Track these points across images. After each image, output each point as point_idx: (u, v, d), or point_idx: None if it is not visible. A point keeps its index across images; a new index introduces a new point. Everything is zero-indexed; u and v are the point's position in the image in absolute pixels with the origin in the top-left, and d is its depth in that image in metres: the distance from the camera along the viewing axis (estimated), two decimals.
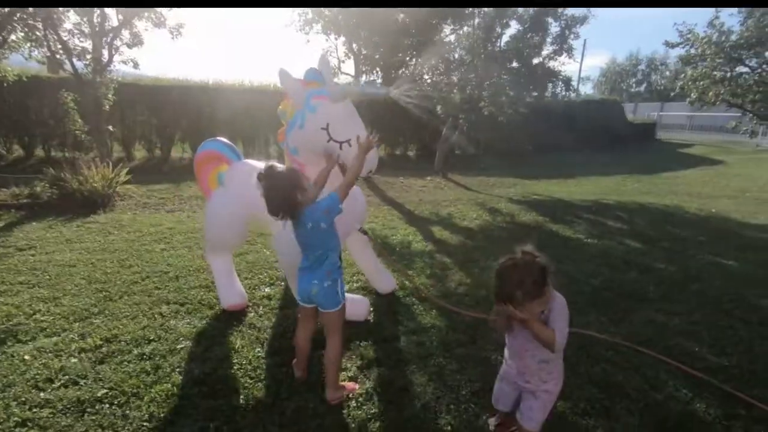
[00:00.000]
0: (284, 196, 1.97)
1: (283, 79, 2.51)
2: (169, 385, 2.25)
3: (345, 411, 2.09)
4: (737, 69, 8.73)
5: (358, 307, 2.97)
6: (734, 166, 13.06)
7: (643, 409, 2.13)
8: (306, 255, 2.10)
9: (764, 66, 8.43)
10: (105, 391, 2.20)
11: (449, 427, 1.99)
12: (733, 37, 8.12)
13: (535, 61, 8.89)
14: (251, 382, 2.30)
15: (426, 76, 9.20)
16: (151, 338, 2.71)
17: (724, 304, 3.38)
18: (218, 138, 3.33)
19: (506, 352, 1.79)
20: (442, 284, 3.70)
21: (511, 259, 1.55)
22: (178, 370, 2.40)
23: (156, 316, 3.01)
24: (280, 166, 2.05)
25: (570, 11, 8.59)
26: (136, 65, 8.38)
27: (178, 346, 2.63)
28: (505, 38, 8.84)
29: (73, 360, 2.46)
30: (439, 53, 8.61)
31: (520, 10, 8.56)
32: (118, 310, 3.08)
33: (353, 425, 2.00)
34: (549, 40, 8.92)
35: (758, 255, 4.63)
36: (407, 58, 8.69)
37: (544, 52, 9.00)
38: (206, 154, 3.27)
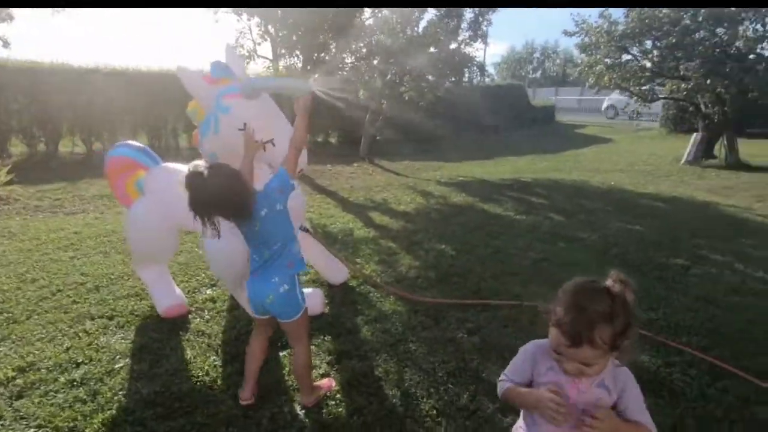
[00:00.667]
0: (236, 192, 1.69)
1: (185, 78, 2.22)
2: (115, 412, 1.95)
3: (324, 410, 1.99)
4: (623, 57, 9.82)
5: (312, 300, 2.83)
6: (621, 144, 14.77)
7: None
8: (259, 252, 1.83)
9: (645, 54, 9.58)
10: (32, 431, 1.84)
11: (434, 411, 1.98)
12: (620, 28, 9.08)
13: (452, 46, 9.15)
14: (213, 394, 2.09)
15: (347, 60, 9.02)
16: (80, 361, 2.33)
17: (642, 266, 3.80)
18: (128, 142, 2.93)
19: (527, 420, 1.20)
20: (393, 269, 3.69)
21: (596, 283, 1.07)
22: (121, 393, 2.09)
23: (80, 334, 2.59)
24: (204, 164, 1.75)
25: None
26: (5, 44, 7.09)
27: (116, 366, 2.30)
28: (423, 23, 8.97)
29: None
30: (359, 36, 8.48)
31: None
32: (28, 332, 2.60)
33: (336, 424, 1.90)
34: (464, 26, 9.22)
35: (655, 221, 5.28)
36: (329, 41, 8.41)
37: (460, 38, 9.29)
38: (117, 162, 2.81)
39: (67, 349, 2.43)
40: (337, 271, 3.36)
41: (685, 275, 3.61)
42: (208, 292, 3.20)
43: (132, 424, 1.88)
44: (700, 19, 7.83)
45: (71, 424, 1.88)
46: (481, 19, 9.15)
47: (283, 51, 8.51)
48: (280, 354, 2.40)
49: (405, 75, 9.30)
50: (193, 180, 1.66)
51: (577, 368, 1.03)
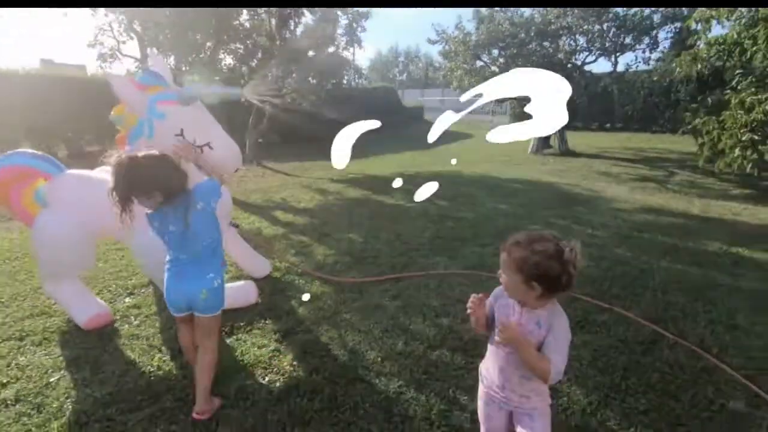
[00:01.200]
0: (171, 168, 1.77)
1: (116, 83, 2.30)
2: (71, 416, 1.95)
3: (285, 375, 2.25)
4: (477, 63, 11.41)
5: (246, 291, 3.01)
6: (481, 139, 16.92)
7: None
8: (187, 250, 1.86)
9: (493, 61, 11.27)
10: None
11: (379, 358, 2.39)
12: (473, 38, 10.56)
13: (330, 50, 9.61)
14: (174, 382, 2.19)
15: (226, 62, 8.85)
16: (5, 381, 2.19)
17: (508, 234, 4.71)
18: (22, 150, 2.75)
19: (486, 361, 1.52)
20: (311, 259, 3.99)
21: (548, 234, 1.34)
22: (69, 400, 2.07)
23: (10, 353, 2.39)
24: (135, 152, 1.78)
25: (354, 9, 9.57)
26: None
27: (52, 379, 2.22)
28: (300, 28, 9.25)
29: None
30: (237, 38, 8.40)
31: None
32: None
33: (300, 383, 2.19)
34: (340, 31, 9.75)
35: (516, 199, 6.45)
36: (204, 41, 8.15)
37: (337, 42, 9.80)
38: (10, 171, 2.63)
39: None
40: (259, 265, 3.55)
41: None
42: (128, 300, 3.13)
43: (99, 421, 1.92)
44: (532, 34, 9.59)
45: None
46: (355, 25, 9.76)
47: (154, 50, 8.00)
48: (227, 341, 2.56)
49: (287, 77, 9.48)
50: (127, 161, 1.69)
51: (518, 303, 1.35)
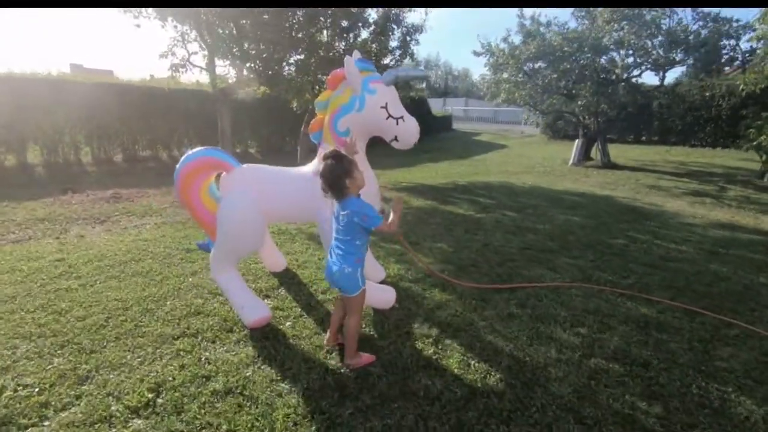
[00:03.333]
0: (337, 176, 2.34)
1: (349, 66, 2.82)
2: (284, 408, 2.14)
3: (476, 387, 2.42)
4: (520, 77, 11.59)
5: (386, 294, 3.22)
6: (515, 149, 17.07)
7: (624, 320, 3.12)
8: (339, 240, 2.46)
9: (536, 74, 11.42)
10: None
11: (542, 361, 2.55)
12: (524, 51, 10.73)
13: (385, 61, 9.85)
14: (366, 385, 2.37)
15: (289, 71, 9.11)
16: (207, 374, 2.39)
17: (596, 246, 4.85)
18: (206, 147, 3.12)
19: None
20: (414, 266, 4.16)
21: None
22: (274, 393, 2.26)
23: (180, 353, 2.60)
24: (339, 152, 2.47)
25: (410, 20, 9.80)
26: None
27: (247, 373, 2.41)
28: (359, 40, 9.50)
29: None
30: (299, 49, 8.66)
31: (372, 14, 9.36)
32: (117, 359, 2.53)
33: (495, 399, 2.36)
34: (395, 44, 9.99)
35: (582, 211, 6.57)
36: (287, 56, 8.43)
37: (392, 57, 10.04)
38: (200, 163, 2.99)
39: (181, 367, 2.45)
40: (376, 272, 3.76)
41: (626, 250, 4.72)
42: (268, 302, 3.32)
43: (314, 413, 2.10)
44: (586, 48, 9.73)
45: (261, 423, 2.03)
46: (409, 38, 10.00)
47: (232, 63, 8.28)
48: (385, 342, 2.74)
49: None
50: (326, 156, 2.41)
51: None
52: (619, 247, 4.83)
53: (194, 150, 3.04)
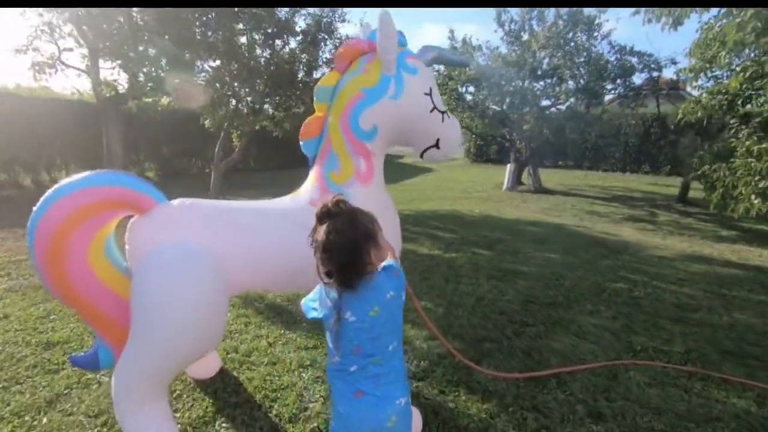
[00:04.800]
0: (354, 248, 1.26)
1: (387, 26, 1.85)
2: None
3: None
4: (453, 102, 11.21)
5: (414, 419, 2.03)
6: (442, 172, 16.80)
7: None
8: (363, 358, 1.34)
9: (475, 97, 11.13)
10: None
11: None
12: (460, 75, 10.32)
13: (318, 75, 8.71)
14: None
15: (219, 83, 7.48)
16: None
17: (601, 295, 4.13)
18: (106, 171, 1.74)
19: None
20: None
21: None
22: None
23: None
24: (345, 202, 1.34)
25: (344, 31, 8.81)
26: None
27: None
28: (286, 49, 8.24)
29: None
30: (234, 58, 7.13)
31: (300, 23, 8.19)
32: None
33: None
34: (327, 56, 8.91)
35: (553, 245, 5.98)
36: (198, 61, 6.80)
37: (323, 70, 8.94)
38: (90, 198, 1.60)
39: None
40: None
41: (636, 299, 4.07)
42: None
43: None
44: (525, 73, 9.59)
45: None
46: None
47: (124, 66, 6.43)
48: None
49: (268, 100, 8.34)
50: (326, 215, 1.30)
51: None
52: (625, 294, 4.16)
53: (78, 177, 1.63)
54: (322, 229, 1.26)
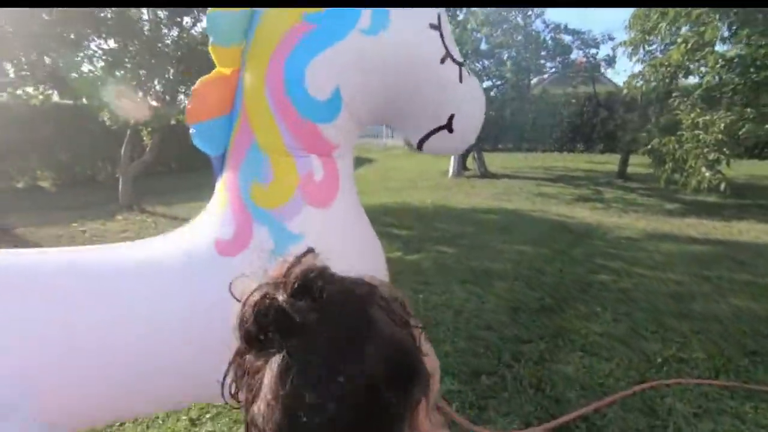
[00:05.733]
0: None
1: None
2: None
3: None
4: None
5: None
6: (383, 162, 16.10)
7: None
8: None
9: None
10: None
11: None
12: None
13: None
14: None
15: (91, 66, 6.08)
16: None
17: (590, 291, 3.66)
18: None
19: None
20: None
21: None
22: None
23: None
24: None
25: None
26: None
27: None
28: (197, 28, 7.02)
29: None
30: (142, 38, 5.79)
31: None
32: None
33: None
34: None
35: (519, 235, 5.51)
36: (86, 41, 5.41)
37: None
38: None
39: None
40: None
41: (627, 292, 3.64)
42: None
43: None
44: (468, 52, 9.08)
45: None
46: None
47: None
48: None
49: (178, 91, 7.10)
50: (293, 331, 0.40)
51: None
52: (614, 287, 3.72)
53: None
54: (270, 377, 0.39)
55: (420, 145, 1.36)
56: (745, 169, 10.30)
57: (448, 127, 1.30)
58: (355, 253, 1.27)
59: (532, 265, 4.26)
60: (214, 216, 1.26)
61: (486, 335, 2.90)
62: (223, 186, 1.28)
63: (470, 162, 12.15)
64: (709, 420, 2.04)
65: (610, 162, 12.87)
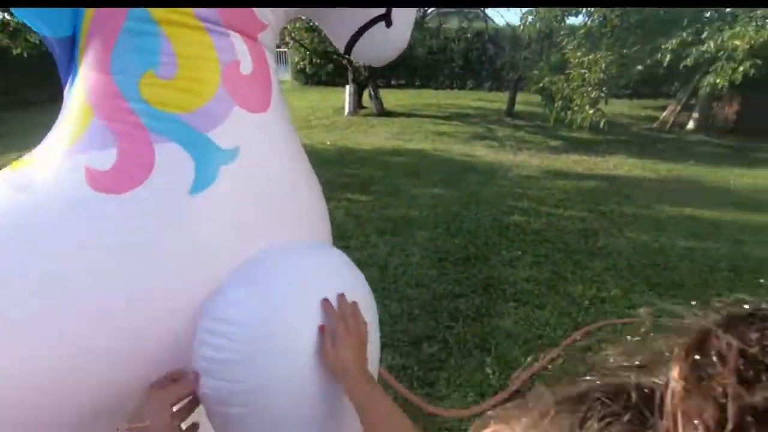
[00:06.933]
0: None
1: None
2: None
3: None
4: None
5: None
6: None
7: None
8: None
9: None
10: None
11: None
12: None
13: None
14: None
15: None
16: None
17: (533, 241, 3.65)
18: None
19: None
20: None
21: None
22: None
23: None
24: None
25: None
26: None
27: None
28: None
29: None
30: None
31: None
32: None
33: None
34: None
35: (430, 176, 5.36)
36: None
37: None
38: None
39: None
40: None
41: (537, 231, 3.73)
42: None
43: None
44: None
45: None
46: None
47: None
48: None
49: None
50: None
51: None
52: (530, 230, 3.76)
53: None
54: None
55: (348, 50, 0.98)
56: (608, 108, 11.53)
57: (387, 18, 0.89)
58: (303, 181, 0.94)
59: (449, 210, 4.14)
60: (73, 134, 0.72)
61: (418, 294, 2.68)
62: (82, 87, 0.73)
63: (365, 100, 11.62)
64: None
65: (497, 100, 13.42)
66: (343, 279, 0.84)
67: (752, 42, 5.54)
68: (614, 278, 2.92)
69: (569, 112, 6.80)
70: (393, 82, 16.25)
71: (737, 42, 5.61)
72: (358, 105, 11.26)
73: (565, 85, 6.75)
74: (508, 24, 11.09)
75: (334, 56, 11.50)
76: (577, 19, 7.36)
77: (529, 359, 2.09)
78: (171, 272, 0.71)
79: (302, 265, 0.80)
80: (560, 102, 6.89)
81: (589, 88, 6.53)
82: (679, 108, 10.00)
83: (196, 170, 0.72)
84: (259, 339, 0.69)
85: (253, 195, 0.78)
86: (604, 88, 6.52)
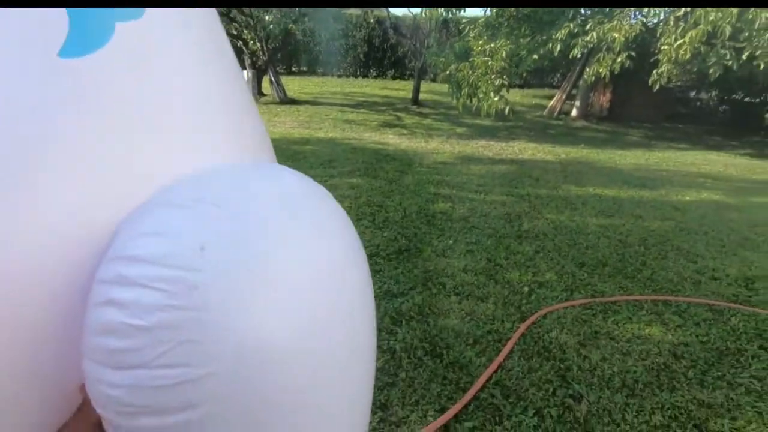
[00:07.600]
0: None
1: None
2: None
3: None
4: None
5: None
6: None
7: None
8: None
9: None
10: None
11: None
12: None
13: None
14: None
15: None
16: None
17: (470, 231, 3.50)
18: None
19: None
20: None
21: None
22: None
23: None
24: None
25: None
26: None
27: None
28: None
29: None
30: None
31: None
32: None
33: None
34: None
35: (346, 165, 5.03)
36: None
37: None
38: None
39: None
40: None
41: (465, 218, 3.64)
42: None
43: None
44: None
45: None
46: None
47: None
48: None
49: None
50: None
51: None
52: (456, 217, 3.65)
53: None
54: None
55: None
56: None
57: None
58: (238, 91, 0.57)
59: (372, 200, 3.87)
60: None
61: None
62: None
63: (266, 87, 10.84)
64: (592, 347, 2.06)
65: (402, 88, 13.48)
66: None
67: (627, 35, 6.10)
68: (545, 261, 2.91)
69: (475, 99, 6.94)
70: (294, 69, 15.52)
71: (615, 34, 6.14)
72: (257, 92, 10.46)
73: (470, 72, 6.87)
74: (410, 10, 11.02)
75: (230, 38, 10.48)
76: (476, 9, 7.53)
77: (483, 359, 1.92)
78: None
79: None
80: (467, 89, 7.00)
81: (493, 76, 6.71)
82: (564, 97, 10.91)
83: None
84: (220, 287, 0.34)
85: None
86: (505, 76, 6.76)
